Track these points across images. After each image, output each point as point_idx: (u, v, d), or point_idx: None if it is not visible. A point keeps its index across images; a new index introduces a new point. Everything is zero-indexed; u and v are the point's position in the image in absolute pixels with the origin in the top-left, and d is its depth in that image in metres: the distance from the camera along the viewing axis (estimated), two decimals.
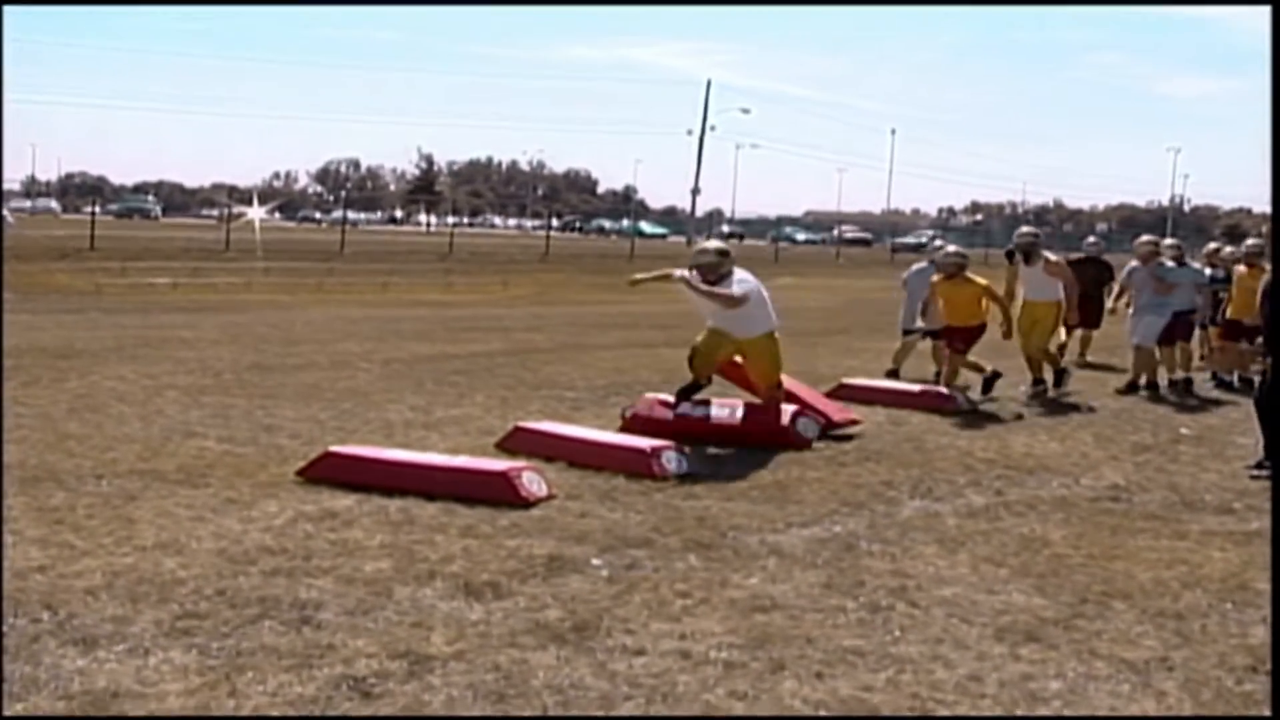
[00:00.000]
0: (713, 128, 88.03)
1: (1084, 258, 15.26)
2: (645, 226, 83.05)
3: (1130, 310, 12.62)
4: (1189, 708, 4.10)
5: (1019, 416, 10.36)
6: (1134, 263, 12.77)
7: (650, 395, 8.96)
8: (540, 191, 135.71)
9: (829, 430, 8.80)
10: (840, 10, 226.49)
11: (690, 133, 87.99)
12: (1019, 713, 3.99)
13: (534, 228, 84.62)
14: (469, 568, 5.28)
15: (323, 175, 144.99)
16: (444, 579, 5.10)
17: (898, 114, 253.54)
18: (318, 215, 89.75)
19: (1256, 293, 13.02)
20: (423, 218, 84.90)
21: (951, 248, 12.18)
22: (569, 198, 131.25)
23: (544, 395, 10.48)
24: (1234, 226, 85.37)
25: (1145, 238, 13.21)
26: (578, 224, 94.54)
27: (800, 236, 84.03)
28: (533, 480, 6.59)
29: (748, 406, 8.62)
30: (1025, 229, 12.66)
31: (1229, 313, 13.29)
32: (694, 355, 8.65)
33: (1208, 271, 13.67)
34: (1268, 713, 4.11)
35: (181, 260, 29.83)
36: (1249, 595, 5.34)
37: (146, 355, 12.19)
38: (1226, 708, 4.12)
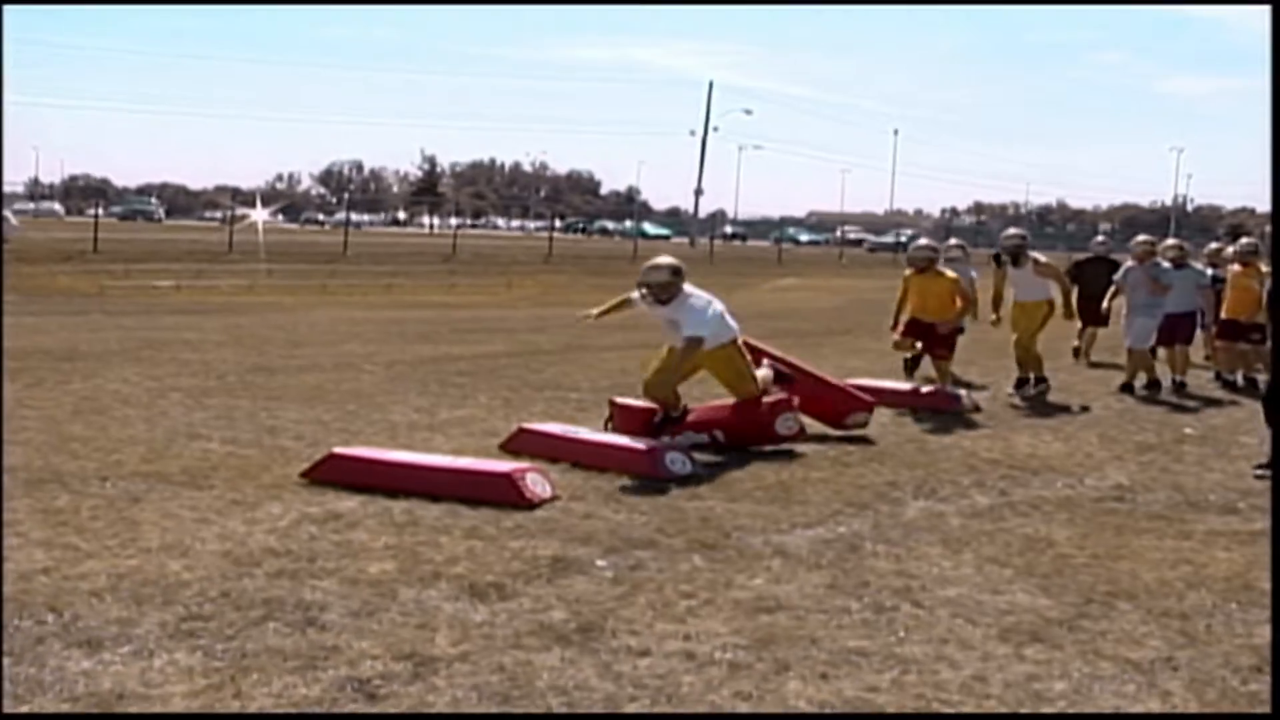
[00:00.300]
0: (715, 129, 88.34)
1: (1092, 257, 15.24)
2: (648, 227, 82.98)
3: (1124, 311, 12.57)
4: (1194, 707, 4.09)
5: (1023, 417, 10.36)
6: (1130, 262, 12.74)
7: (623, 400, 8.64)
8: (543, 193, 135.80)
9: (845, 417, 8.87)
10: (843, 11, 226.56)
11: (693, 134, 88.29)
12: (1024, 712, 3.99)
13: (537, 229, 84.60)
14: (473, 569, 5.28)
15: (326, 177, 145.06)
16: (448, 580, 5.11)
17: (900, 115, 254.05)
18: (321, 217, 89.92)
19: (1251, 291, 13.07)
20: (426, 219, 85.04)
21: (923, 240, 12.15)
22: (572, 199, 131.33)
23: (548, 396, 10.49)
24: (1237, 226, 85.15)
25: (1141, 237, 13.18)
26: (581, 225, 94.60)
27: (803, 237, 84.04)
28: (537, 481, 6.59)
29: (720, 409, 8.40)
30: (1012, 231, 12.65)
31: (1224, 312, 13.23)
32: (651, 385, 8.14)
33: (1209, 272, 13.61)
34: (1270, 712, 4.10)
35: (185, 262, 29.85)
36: (1254, 595, 5.34)
37: (150, 357, 12.20)
38: (1232, 707, 4.12)
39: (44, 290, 21.61)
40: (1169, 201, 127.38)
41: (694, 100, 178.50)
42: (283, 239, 42.17)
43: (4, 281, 19.04)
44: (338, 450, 7.11)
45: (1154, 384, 12.23)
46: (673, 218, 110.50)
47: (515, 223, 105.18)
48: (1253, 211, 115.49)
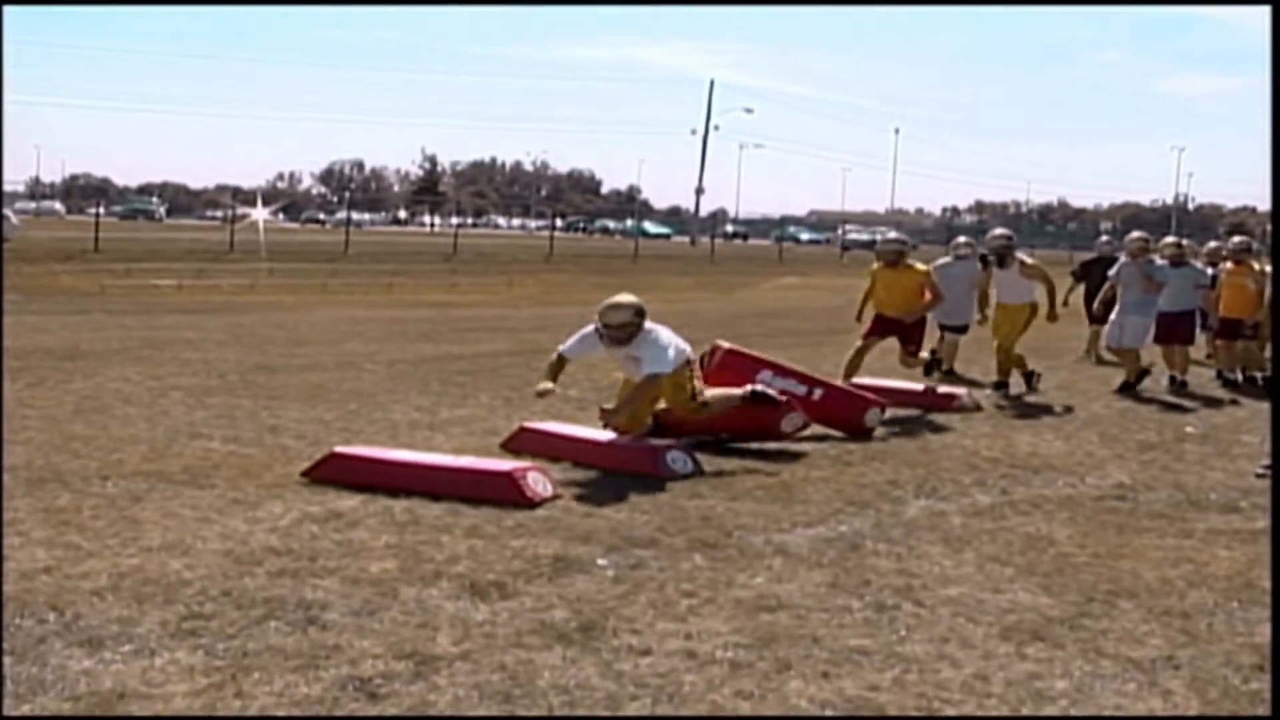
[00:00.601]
0: (716, 127, 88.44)
1: (1098, 257, 15.21)
2: (649, 226, 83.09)
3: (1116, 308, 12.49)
4: (1195, 706, 4.09)
5: (1024, 416, 10.35)
6: (1124, 258, 12.68)
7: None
8: (544, 192, 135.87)
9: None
10: (843, 10, 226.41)
11: (694, 132, 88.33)
12: (1025, 712, 3.99)
13: (538, 228, 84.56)
14: (475, 568, 5.28)
15: (327, 176, 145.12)
16: (450, 579, 5.11)
17: (901, 113, 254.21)
18: (322, 216, 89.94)
19: (1246, 289, 13.06)
20: (427, 218, 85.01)
21: (892, 234, 11.85)
22: (573, 198, 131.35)
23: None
24: (1238, 225, 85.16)
25: (1135, 234, 13.15)
26: (582, 224, 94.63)
27: (804, 236, 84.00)
28: (538, 480, 6.59)
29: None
30: (998, 231, 12.53)
31: (1222, 311, 13.17)
32: (622, 426, 7.76)
33: (1210, 271, 13.54)
34: (1270, 713, 4.10)
35: (186, 261, 29.86)
36: (1255, 594, 5.33)
37: (151, 356, 12.20)
38: (1233, 706, 4.11)
39: (45, 289, 21.62)
40: (1170, 200, 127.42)
41: (695, 99, 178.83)
42: (284, 238, 42.20)
43: (4, 281, 19.05)
44: (339, 449, 7.10)
45: (1144, 372, 12.15)
46: (674, 217, 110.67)
47: (516, 222, 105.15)
48: (1254, 210, 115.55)
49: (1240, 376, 13.15)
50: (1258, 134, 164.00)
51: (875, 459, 8.11)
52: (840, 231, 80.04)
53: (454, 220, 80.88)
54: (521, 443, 7.85)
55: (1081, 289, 15.35)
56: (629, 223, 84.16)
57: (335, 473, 6.75)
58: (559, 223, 74.26)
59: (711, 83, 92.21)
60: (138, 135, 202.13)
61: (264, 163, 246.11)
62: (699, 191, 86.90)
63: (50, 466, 6.97)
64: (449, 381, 11.11)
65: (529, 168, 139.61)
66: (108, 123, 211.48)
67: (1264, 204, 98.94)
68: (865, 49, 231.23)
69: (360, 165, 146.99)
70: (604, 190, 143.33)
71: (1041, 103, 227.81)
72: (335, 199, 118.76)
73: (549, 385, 7.59)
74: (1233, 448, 9.15)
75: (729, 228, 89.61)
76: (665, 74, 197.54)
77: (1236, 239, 14.37)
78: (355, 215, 64.20)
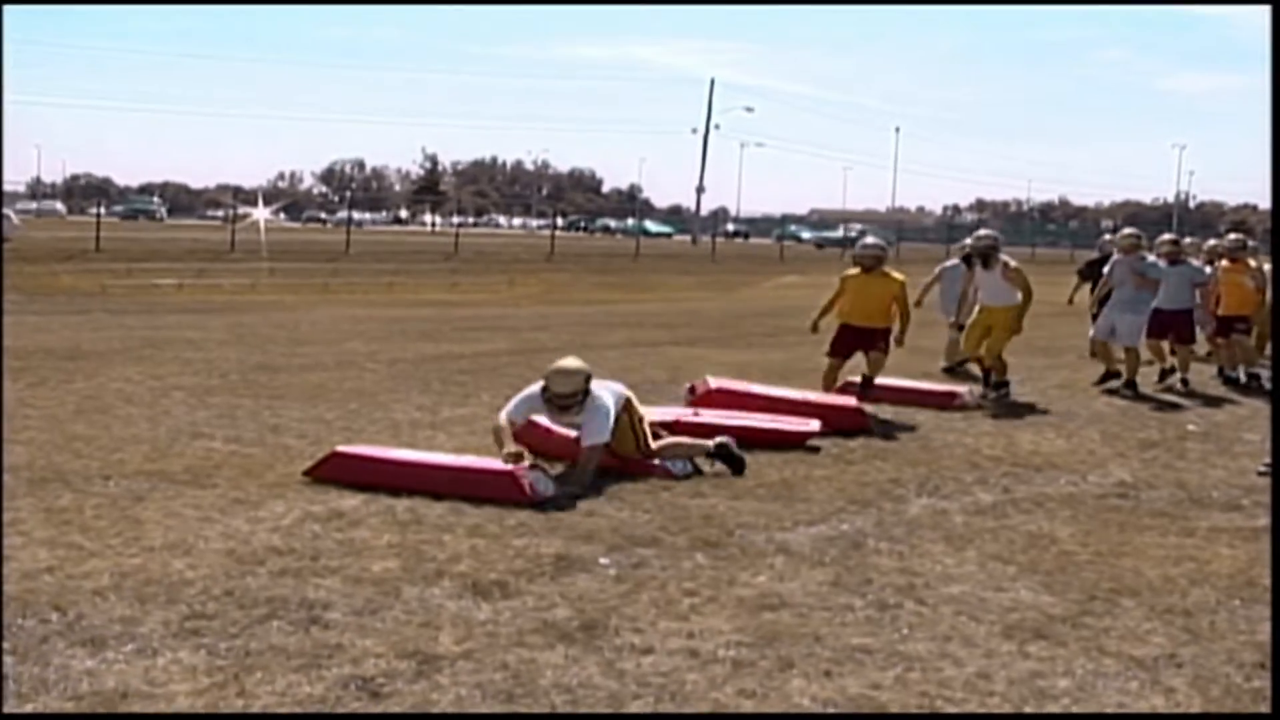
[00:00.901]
0: (717, 126, 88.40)
1: (1103, 256, 15.19)
2: (650, 225, 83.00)
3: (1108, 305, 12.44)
4: (1198, 704, 4.09)
5: (1025, 414, 10.34)
6: (1116, 255, 12.64)
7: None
8: (545, 191, 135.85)
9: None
10: (844, 9, 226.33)
11: (695, 131, 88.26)
12: (1028, 710, 3.99)
13: (539, 227, 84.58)
14: (477, 567, 5.28)
15: (327, 176, 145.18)
16: (452, 578, 5.11)
17: (902, 112, 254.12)
18: (323, 216, 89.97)
19: (1244, 287, 13.04)
20: (428, 218, 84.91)
21: (870, 239, 11.41)
22: (574, 197, 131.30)
23: None
24: (1240, 223, 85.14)
25: (1127, 230, 13.10)
26: (583, 223, 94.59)
27: (805, 235, 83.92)
28: (540, 479, 6.59)
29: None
30: (983, 232, 12.30)
31: (1221, 309, 13.14)
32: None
33: (1208, 270, 13.49)
34: (1271, 710, 4.10)
35: (187, 261, 29.87)
36: (1257, 592, 5.33)
37: (153, 356, 12.21)
38: (1236, 704, 4.11)
39: (47, 289, 21.62)
40: (1172, 198, 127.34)
41: (695, 98, 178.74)
42: (285, 238, 42.20)
43: (6, 280, 19.05)
44: (340, 448, 7.10)
45: (1112, 374, 12.08)
46: (675, 215, 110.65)
47: (517, 221, 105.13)
48: (1255, 208, 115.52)
49: (1243, 376, 13.12)
50: (1259, 132, 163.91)
51: (877, 457, 8.11)
52: (841, 230, 79.91)
53: (455, 219, 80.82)
54: (522, 442, 7.56)
55: (1087, 288, 15.33)
56: (630, 222, 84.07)
57: (337, 472, 6.75)
58: (560, 222, 74.27)
59: (712, 82, 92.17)
60: (138, 135, 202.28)
61: (265, 162, 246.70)
62: (700, 190, 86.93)
63: (52, 466, 6.97)
64: (450, 381, 11.11)
65: (530, 167, 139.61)
66: (108, 123, 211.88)
67: (1265, 202, 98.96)
68: (866, 48, 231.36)
69: (361, 164, 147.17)
70: (605, 189, 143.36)
71: (1042, 101, 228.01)
72: (336, 198, 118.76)
73: (513, 448, 6.86)
74: (1234, 445, 9.15)
75: (730, 226, 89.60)
76: (666, 73, 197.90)
77: (1232, 237, 14.34)
78: (356, 215, 64.24)
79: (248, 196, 62.83)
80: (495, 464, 6.82)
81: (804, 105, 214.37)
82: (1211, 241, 15.66)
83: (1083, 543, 6.10)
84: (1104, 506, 6.97)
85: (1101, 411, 10.71)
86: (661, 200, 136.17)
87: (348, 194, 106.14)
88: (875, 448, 8.46)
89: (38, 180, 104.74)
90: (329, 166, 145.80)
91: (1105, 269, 12.77)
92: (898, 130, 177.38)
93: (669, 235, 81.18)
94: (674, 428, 7.87)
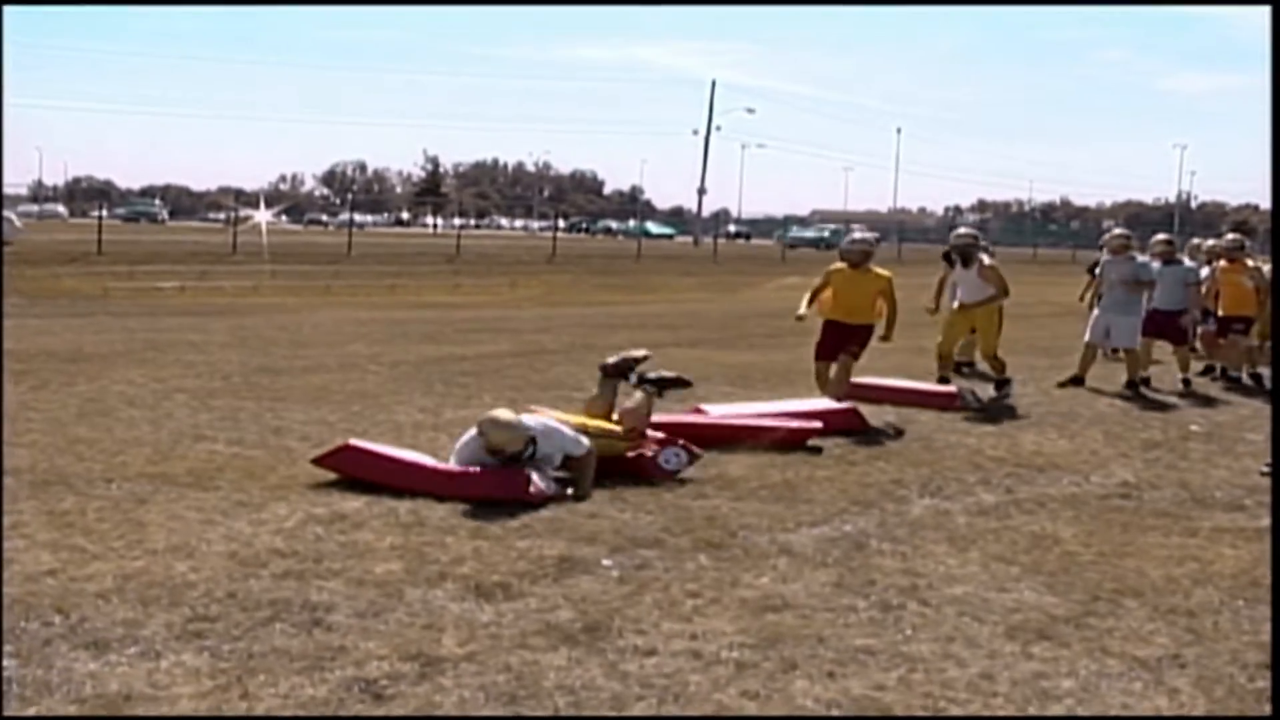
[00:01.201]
0: (718, 127, 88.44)
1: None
2: (651, 227, 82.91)
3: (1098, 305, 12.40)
4: (1202, 705, 4.09)
5: (1028, 414, 10.34)
6: (1105, 255, 12.61)
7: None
8: (546, 192, 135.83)
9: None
10: (844, 10, 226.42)
11: (696, 133, 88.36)
12: (1031, 711, 3.99)
13: (540, 229, 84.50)
14: (480, 569, 5.28)
15: (329, 178, 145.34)
16: (455, 580, 5.11)
17: (902, 113, 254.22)
18: (324, 218, 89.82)
19: (1243, 287, 13.03)
20: (429, 219, 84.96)
21: (858, 234, 11.31)
22: (575, 198, 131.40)
23: (552, 396, 10.46)
24: (1242, 222, 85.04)
25: (1116, 230, 13.06)
26: (584, 225, 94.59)
27: (807, 235, 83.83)
28: (543, 480, 6.59)
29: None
30: (963, 230, 12.24)
31: (1221, 309, 13.12)
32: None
33: (1204, 271, 13.46)
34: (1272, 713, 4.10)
35: (189, 264, 29.85)
36: (1260, 592, 5.33)
37: (155, 359, 12.21)
38: (1239, 705, 4.11)
39: (48, 292, 21.62)
40: (1173, 198, 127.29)
41: (696, 99, 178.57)
42: (286, 240, 42.18)
43: (7, 283, 19.06)
44: (353, 441, 7.11)
45: (1078, 380, 12.04)
46: (676, 217, 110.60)
47: (519, 222, 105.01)
48: (1256, 208, 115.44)
49: (1245, 376, 13.11)
50: (1259, 132, 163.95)
51: (880, 458, 8.11)
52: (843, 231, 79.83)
53: (456, 221, 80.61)
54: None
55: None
56: (631, 223, 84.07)
57: (344, 464, 6.76)
58: (561, 223, 74.24)
59: (713, 83, 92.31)
60: (140, 137, 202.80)
61: (266, 164, 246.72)
62: (701, 191, 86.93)
63: (54, 469, 6.98)
64: (452, 382, 11.11)
65: (531, 168, 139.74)
66: (109, 125, 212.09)
67: (1266, 201, 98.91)
68: (866, 49, 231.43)
69: (362, 167, 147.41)
70: (606, 191, 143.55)
71: (1043, 101, 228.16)
72: (338, 200, 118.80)
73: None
74: (1237, 445, 9.14)
75: (731, 227, 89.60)
76: (667, 74, 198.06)
77: (1229, 236, 14.31)
78: (358, 217, 64.15)
79: (249, 199, 62.80)
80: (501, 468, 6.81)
81: (804, 106, 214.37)
82: (1210, 241, 15.62)
83: (1086, 543, 6.09)
84: (1107, 507, 6.96)
85: (1104, 412, 10.71)
86: (663, 201, 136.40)
87: (349, 196, 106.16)
88: (877, 448, 8.46)
89: (39, 183, 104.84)
90: (330, 169, 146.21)
91: (1097, 268, 12.72)
92: (899, 131, 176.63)
93: (670, 236, 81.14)
94: (674, 428, 7.90)
